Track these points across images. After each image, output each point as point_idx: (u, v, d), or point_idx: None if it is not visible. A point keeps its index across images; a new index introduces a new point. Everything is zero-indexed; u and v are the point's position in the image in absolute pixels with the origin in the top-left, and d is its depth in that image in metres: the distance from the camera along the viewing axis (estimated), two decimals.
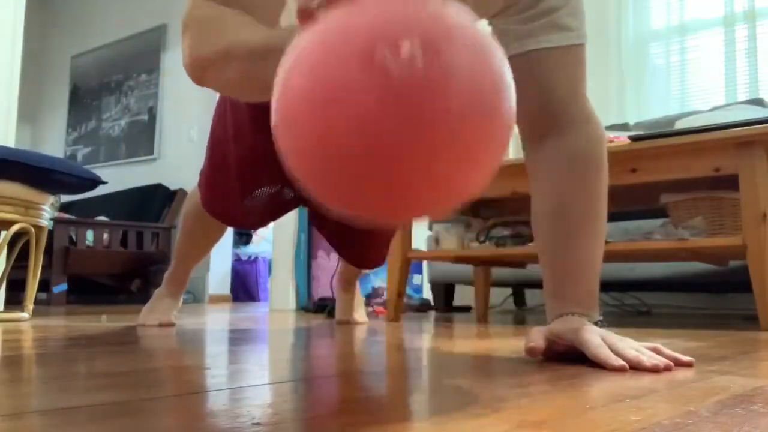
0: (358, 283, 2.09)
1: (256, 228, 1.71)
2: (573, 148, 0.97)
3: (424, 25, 0.55)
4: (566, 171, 0.97)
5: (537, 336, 0.90)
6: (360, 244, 1.76)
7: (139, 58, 5.32)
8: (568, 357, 0.87)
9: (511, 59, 1.00)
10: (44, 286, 3.67)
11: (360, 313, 2.05)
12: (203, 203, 1.53)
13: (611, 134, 1.97)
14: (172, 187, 4.67)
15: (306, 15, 0.62)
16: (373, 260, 1.84)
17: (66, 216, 4.24)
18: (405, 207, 0.59)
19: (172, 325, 1.67)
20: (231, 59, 0.80)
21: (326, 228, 1.74)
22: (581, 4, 0.99)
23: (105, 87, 5.58)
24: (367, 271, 2.09)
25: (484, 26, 0.64)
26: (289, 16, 1.06)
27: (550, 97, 0.97)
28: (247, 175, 1.45)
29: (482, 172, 0.60)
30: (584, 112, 1.00)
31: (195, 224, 1.62)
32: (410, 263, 2.29)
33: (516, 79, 1.03)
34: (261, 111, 1.41)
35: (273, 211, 1.54)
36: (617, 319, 2.26)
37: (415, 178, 0.56)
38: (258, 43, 0.78)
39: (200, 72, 0.85)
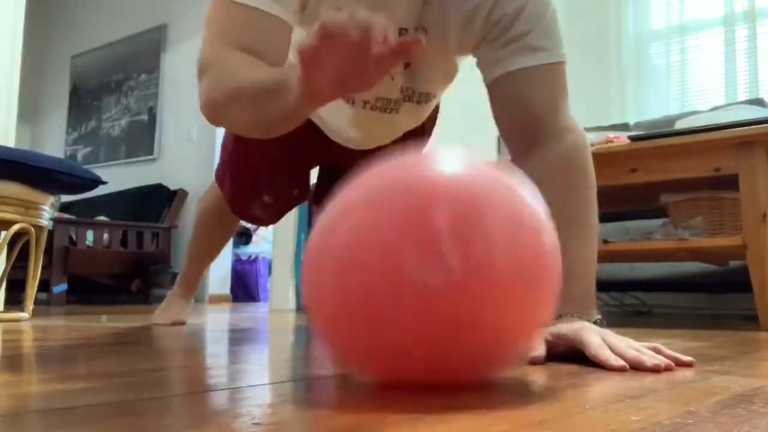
0: None
1: (266, 224, 1.75)
2: (555, 156, 1.02)
3: (451, 218, 0.54)
4: (551, 178, 1.00)
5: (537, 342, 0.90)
6: None
7: (139, 58, 5.31)
8: (568, 357, 0.87)
9: (495, 81, 1.06)
10: (44, 286, 3.67)
11: None
12: (228, 200, 1.54)
13: (611, 134, 1.97)
14: (172, 187, 4.67)
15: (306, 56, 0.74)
16: None
17: (66, 216, 4.24)
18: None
19: (183, 323, 1.71)
20: (241, 98, 0.90)
21: None
22: (555, 25, 1.05)
23: (105, 87, 5.58)
24: None
25: (519, 181, 0.63)
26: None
27: (529, 112, 1.04)
28: (263, 170, 1.48)
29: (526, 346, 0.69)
30: (565, 124, 1.05)
31: (210, 223, 1.65)
32: None
33: (499, 98, 1.10)
34: None
35: (282, 209, 1.59)
36: (617, 319, 2.25)
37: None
38: (266, 80, 0.88)
39: (216, 112, 0.95)
